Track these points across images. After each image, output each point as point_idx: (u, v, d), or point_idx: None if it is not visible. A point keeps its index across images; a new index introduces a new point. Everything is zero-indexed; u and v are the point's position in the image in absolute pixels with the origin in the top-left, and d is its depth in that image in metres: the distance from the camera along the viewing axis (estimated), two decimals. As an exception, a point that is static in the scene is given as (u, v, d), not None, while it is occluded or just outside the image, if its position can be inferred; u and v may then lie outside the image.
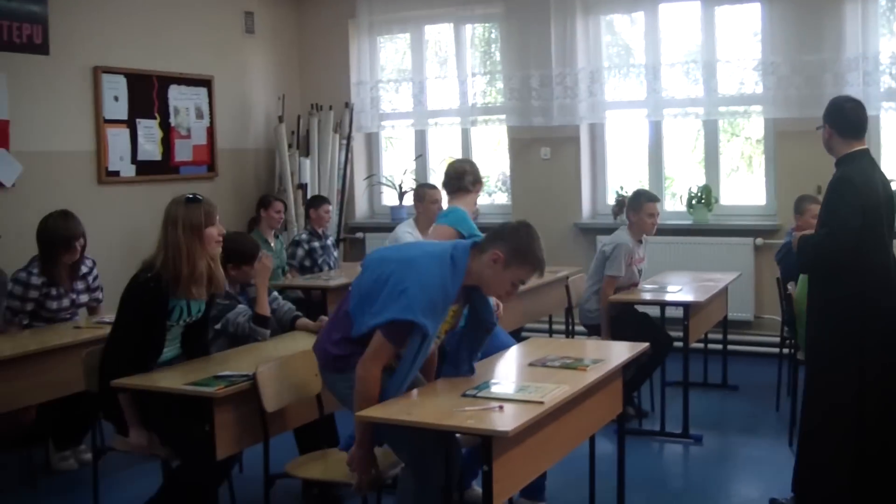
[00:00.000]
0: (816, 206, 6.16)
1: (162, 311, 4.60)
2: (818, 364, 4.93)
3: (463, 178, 5.75)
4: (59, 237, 5.97)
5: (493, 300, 4.47)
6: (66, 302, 6.08)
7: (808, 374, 5.01)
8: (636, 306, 7.12)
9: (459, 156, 10.31)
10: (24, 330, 5.93)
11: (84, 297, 6.22)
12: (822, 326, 4.91)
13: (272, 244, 8.29)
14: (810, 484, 4.96)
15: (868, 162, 4.95)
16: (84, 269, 6.20)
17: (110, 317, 4.81)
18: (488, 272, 3.99)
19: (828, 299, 4.87)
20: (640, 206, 7.07)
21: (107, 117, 8.35)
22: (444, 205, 6.15)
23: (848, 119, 4.94)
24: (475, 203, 5.94)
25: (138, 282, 4.59)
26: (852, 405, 4.78)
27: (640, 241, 7.17)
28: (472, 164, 5.91)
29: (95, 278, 6.34)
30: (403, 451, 4.03)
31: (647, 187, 9.40)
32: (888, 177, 5.08)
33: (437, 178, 10.17)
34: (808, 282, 5.17)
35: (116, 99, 8.44)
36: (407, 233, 7.37)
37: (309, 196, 9.85)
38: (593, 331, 7.04)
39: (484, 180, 5.91)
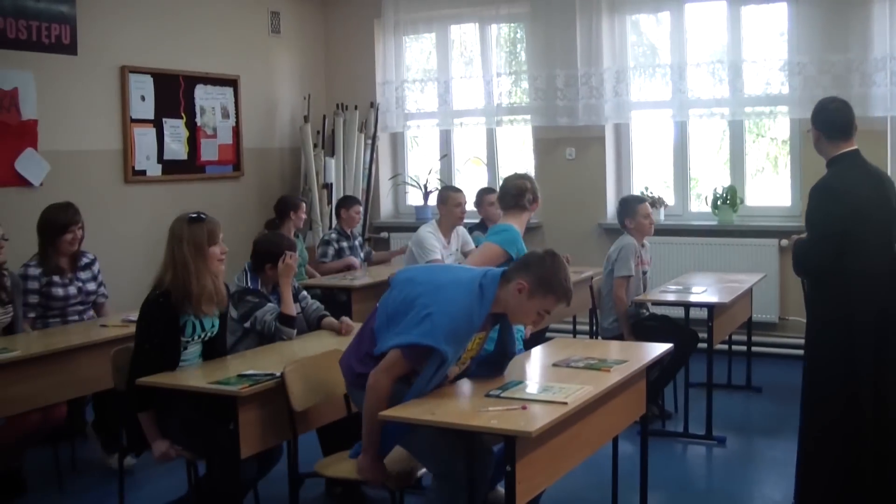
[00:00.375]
0: None
1: (174, 325, 4.66)
2: (814, 366, 4.93)
3: (523, 195, 5.45)
4: (56, 222, 6.09)
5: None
6: (72, 290, 6.13)
7: (805, 375, 5.02)
8: (659, 307, 7.13)
9: (484, 156, 10.33)
10: (35, 328, 6.01)
11: (92, 286, 6.27)
12: (817, 328, 4.93)
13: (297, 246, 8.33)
14: (812, 492, 4.95)
15: (857, 164, 4.88)
16: (85, 261, 6.26)
17: (135, 314, 4.84)
18: (514, 301, 4.00)
19: (819, 303, 4.91)
20: (633, 210, 7.08)
21: (133, 117, 8.41)
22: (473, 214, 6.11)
23: (833, 120, 4.90)
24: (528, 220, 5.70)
25: (149, 300, 4.68)
26: (848, 407, 4.77)
27: (643, 245, 7.15)
28: (532, 181, 5.59)
29: (99, 272, 6.41)
30: (430, 461, 4.04)
31: (671, 188, 9.43)
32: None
33: (461, 178, 10.24)
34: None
35: (143, 98, 8.50)
36: (429, 233, 7.40)
37: (334, 195, 9.89)
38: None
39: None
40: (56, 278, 6.08)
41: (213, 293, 4.73)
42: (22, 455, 5.66)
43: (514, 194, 5.46)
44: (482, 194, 8.28)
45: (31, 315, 6.03)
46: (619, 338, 6.76)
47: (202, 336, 4.80)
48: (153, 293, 4.67)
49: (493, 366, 4.30)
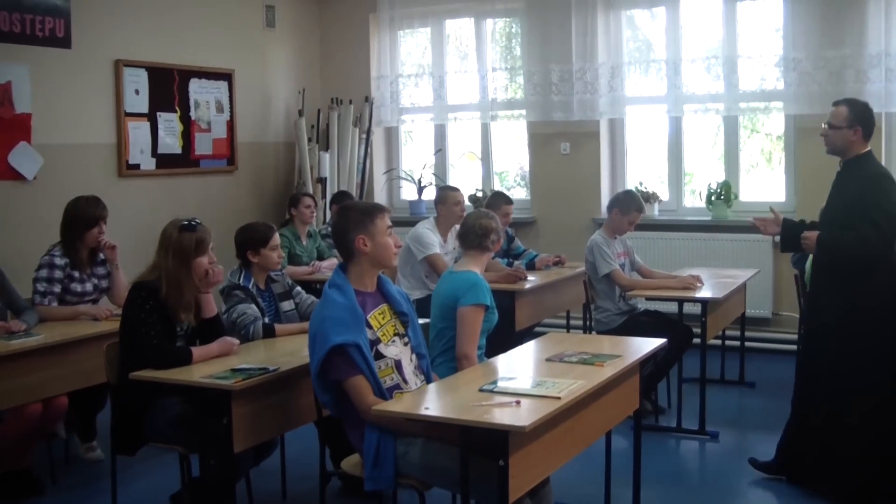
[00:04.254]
0: None
1: (162, 306, 4.70)
2: (847, 357, 5.03)
3: (487, 236, 5.00)
4: (86, 215, 6.05)
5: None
6: (89, 286, 6.12)
7: (825, 366, 5.12)
8: (653, 303, 7.15)
9: (478, 151, 10.33)
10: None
11: (105, 283, 6.26)
12: (849, 324, 5.01)
13: (304, 241, 8.28)
14: (833, 468, 5.11)
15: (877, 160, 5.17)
16: (101, 256, 6.25)
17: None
18: (365, 255, 4.25)
19: (862, 298, 4.99)
20: (629, 210, 7.05)
21: (128, 110, 8.39)
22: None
23: (873, 121, 5.16)
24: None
25: (137, 287, 4.75)
26: (886, 390, 5.01)
27: (615, 238, 7.15)
28: (497, 222, 5.12)
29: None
30: (435, 477, 4.04)
31: (666, 183, 9.42)
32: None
33: (456, 173, 10.24)
34: (824, 279, 5.18)
35: (137, 92, 8.48)
36: (428, 230, 7.39)
37: (329, 190, 9.89)
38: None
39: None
40: (76, 273, 6.06)
41: (190, 305, 4.80)
42: (29, 453, 5.65)
43: (479, 234, 5.00)
44: (501, 203, 7.77)
45: (54, 303, 5.95)
46: (613, 331, 6.77)
47: (179, 332, 4.84)
48: (141, 283, 4.72)
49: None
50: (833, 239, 5.04)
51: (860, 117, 5.10)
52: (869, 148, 5.15)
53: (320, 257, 8.29)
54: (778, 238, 5.56)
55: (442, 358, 4.76)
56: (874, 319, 5.00)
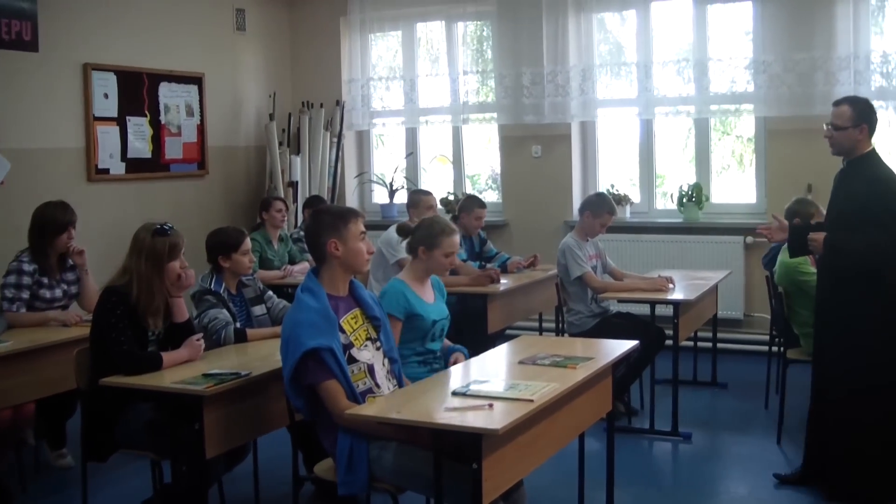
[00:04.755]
0: (819, 212, 6.26)
1: (132, 311, 4.66)
2: (862, 358, 5.06)
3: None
4: (55, 221, 5.99)
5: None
6: (58, 292, 6.06)
7: (839, 368, 5.15)
8: (625, 305, 7.16)
9: (450, 154, 10.33)
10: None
11: (74, 289, 6.20)
12: (862, 325, 5.05)
13: (276, 245, 8.25)
14: (855, 469, 5.14)
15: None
16: (70, 262, 6.19)
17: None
18: (337, 259, 4.24)
19: (870, 300, 5.03)
20: (601, 213, 7.04)
21: (97, 115, 8.33)
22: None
23: (876, 117, 5.16)
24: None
25: (108, 291, 4.70)
26: None
27: (587, 240, 7.15)
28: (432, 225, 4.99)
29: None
30: (417, 481, 4.02)
31: (637, 185, 9.45)
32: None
33: (427, 176, 10.24)
34: (831, 280, 5.19)
35: (106, 96, 8.42)
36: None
37: (300, 194, 9.86)
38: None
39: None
40: (45, 279, 6.00)
41: (159, 309, 4.77)
42: (3, 459, 5.59)
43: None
44: (474, 206, 7.86)
45: (22, 310, 5.89)
46: (586, 333, 6.77)
47: (156, 332, 4.81)
48: (111, 288, 4.69)
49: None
50: (842, 241, 5.02)
51: (865, 115, 5.08)
52: (872, 146, 5.13)
53: (292, 261, 8.25)
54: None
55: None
56: (881, 320, 5.01)
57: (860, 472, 5.12)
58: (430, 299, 4.88)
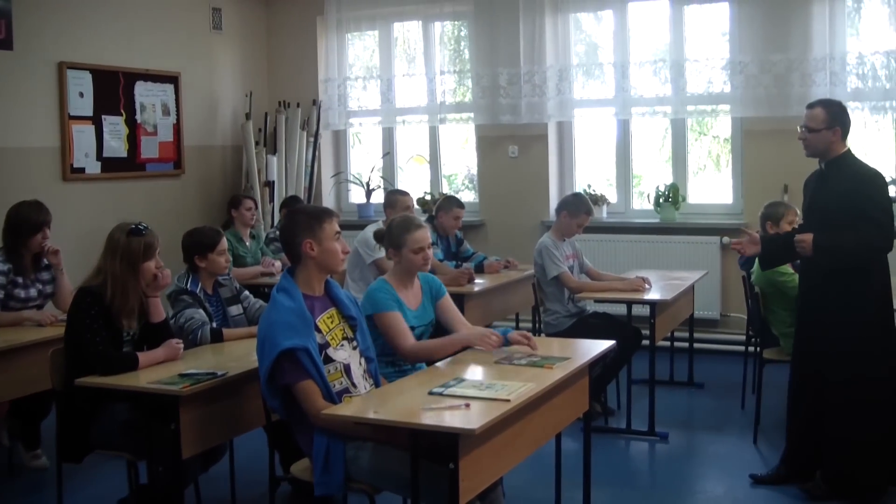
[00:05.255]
0: (792, 211, 6.29)
1: (107, 311, 4.64)
2: (848, 355, 5.11)
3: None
4: (29, 220, 5.95)
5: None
6: (33, 292, 6.02)
7: (824, 366, 5.18)
8: (602, 305, 7.17)
9: (427, 154, 10.32)
10: None
11: (49, 288, 6.16)
12: (846, 322, 5.09)
13: (247, 242, 8.23)
14: (846, 463, 5.17)
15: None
16: (45, 261, 6.15)
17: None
18: (312, 260, 4.24)
19: (857, 295, 5.08)
20: (578, 213, 7.05)
21: (72, 113, 8.28)
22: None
23: (849, 120, 5.20)
24: None
25: (83, 292, 4.68)
26: (890, 385, 5.14)
27: (563, 240, 7.16)
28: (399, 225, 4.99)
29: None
30: (394, 481, 4.01)
31: (614, 186, 9.47)
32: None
33: (404, 176, 10.24)
34: (818, 278, 5.21)
35: (82, 95, 8.37)
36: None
37: (277, 193, 9.84)
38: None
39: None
40: (19, 279, 5.96)
41: (134, 309, 4.75)
42: None
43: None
44: (453, 206, 7.91)
45: None
46: (562, 333, 6.77)
47: (125, 337, 4.78)
48: (86, 288, 4.67)
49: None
50: (831, 240, 5.04)
51: (838, 118, 5.13)
52: (848, 147, 5.18)
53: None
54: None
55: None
56: (870, 315, 5.08)
57: (848, 466, 5.15)
58: (412, 304, 4.87)
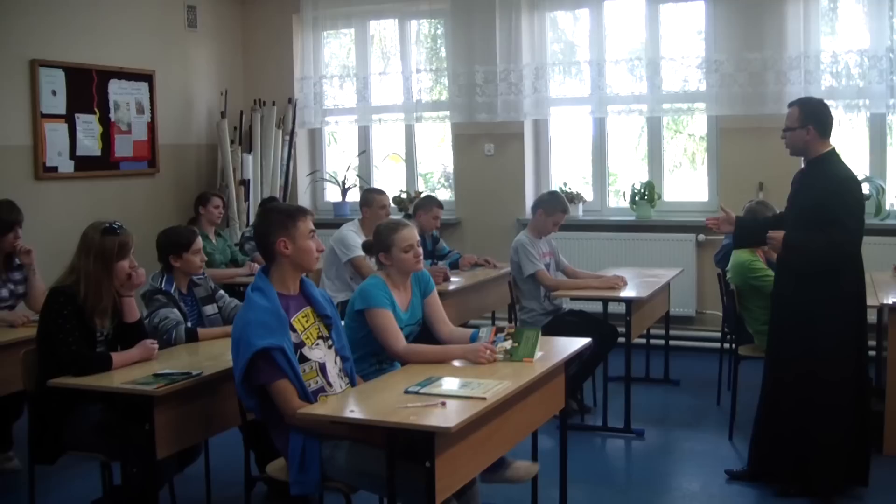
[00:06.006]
0: (769, 211, 6.30)
1: (80, 311, 4.60)
2: (816, 355, 5.12)
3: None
4: (1, 220, 5.91)
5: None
6: (4, 292, 5.98)
7: (792, 364, 5.21)
8: (578, 303, 7.18)
9: (402, 153, 10.31)
10: None
11: (21, 288, 6.12)
12: (818, 322, 5.10)
13: (213, 240, 8.20)
14: (806, 461, 5.21)
15: (842, 160, 5.21)
16: (17, 261, 6.11)
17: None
18: (286, 258, 4.23)
19: (829, 298, 5.08)
20: (554, 211, 7.06)
21: (44, 112, 8.22)
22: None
23: (827, 119, 5.21)
24: None
25: (52, 292, 4.64)
26: (852, 386, 5.15)
27: (540, 238, 7.17)
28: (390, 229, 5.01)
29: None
30: (370, 480, 4.00)
31: (590, 184, 9.48)
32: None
33: (380, 174, 10.22)
34: (789, 278, 5.23)
35: (54, 93, 8.31)
36: (352, 231, 7.35)
37: (252, 192, 9.81)
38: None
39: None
40: None
41: (107, 309, 4.71)
42: None
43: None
44: (433, 205, 7.94)
45: None
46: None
47: (105, 333, 4.75)
48: (58, 287, 4.62)
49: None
50: (801, 240, 5.08)
51: (811, 116, 5.14)
52: (832, 147, 5.18)
53: (234, 260, 8.18)
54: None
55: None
56: (838, 317, 5.09)
57: (812, 464, 5.17)
58: (402, 305, 4.87)
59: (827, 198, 5.02)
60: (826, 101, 5.36)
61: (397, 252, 4.84)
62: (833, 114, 5.29)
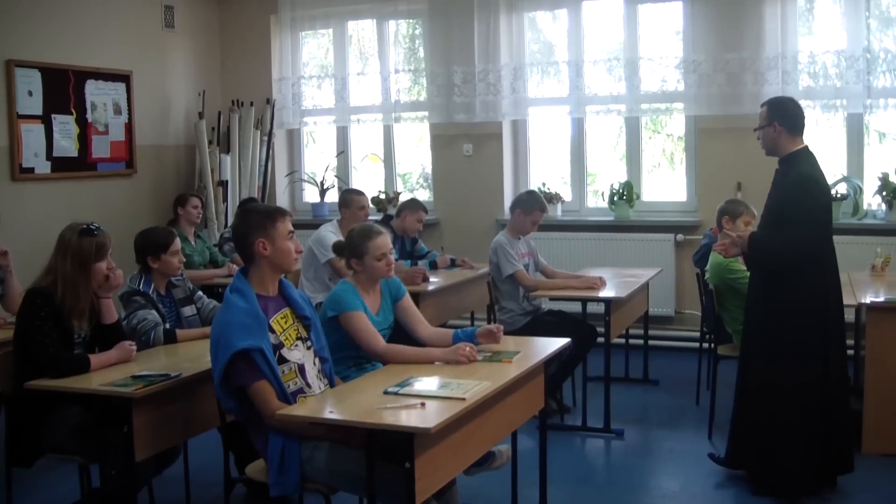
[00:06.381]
0: (750, 213, 6.32)
1: (57, 312, 4.57)
2: (780, 356, 5.12)
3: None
4: None
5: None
6: None
7: (759, 365, 5.22)
8: (557, 303, 7.18)
9: (381, 153, 10.30)
10: None
11: None
12: (783, 323, 5.11)
13: (192, 242, 8.17)
14: (772, 463, 5.20)
15: (814, 158, 5.19)
16: None
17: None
18: (266, 259, 4.21)
19: (790, 297, 5.09)
20: (532, 210, 7.06)
21: (20, 112, 8.16)
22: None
23: (795, 116, 5.18)
24: None
25: (29, 293, 4.62)
26: (817, 389, 5.10)
27: (518, 238, 7.17)
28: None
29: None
30: (349, 481, 3.99)
31: (568, 184, 9.49)
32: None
33: (358, 175, 10.20)
34: (759, 278, 5.25)
35: (31, 94, 8.26)
36: (330, 232, 7.34)
37: (230, 193, 9.78)
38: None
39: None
40: None
41: (84, 310, 4.69)
42: None
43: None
44: (418, 208, 7.99)
45: None
46: (518, 332, 6.76)
47: (82, 335, 4.72)
48: (35, 289, 4.60)
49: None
50: (763, 240, 5.12)
51: (777, 113, 5.15)
52: (804, 145, 5.18)
53: (213, 261, 8.16)
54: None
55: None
56: (802, 317, 5.09)
57: (780, 466, 5.18)
58: (373, 309, 4.86)
59: (787, 197, 5.05)
60: (803, 102, 5.39)
61: (370, 260, 4.83)
62: (810, 114, 5.31)
